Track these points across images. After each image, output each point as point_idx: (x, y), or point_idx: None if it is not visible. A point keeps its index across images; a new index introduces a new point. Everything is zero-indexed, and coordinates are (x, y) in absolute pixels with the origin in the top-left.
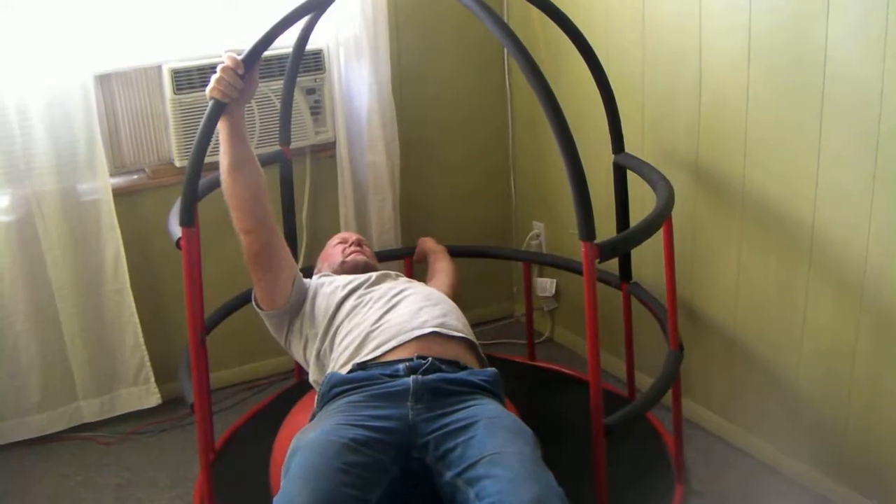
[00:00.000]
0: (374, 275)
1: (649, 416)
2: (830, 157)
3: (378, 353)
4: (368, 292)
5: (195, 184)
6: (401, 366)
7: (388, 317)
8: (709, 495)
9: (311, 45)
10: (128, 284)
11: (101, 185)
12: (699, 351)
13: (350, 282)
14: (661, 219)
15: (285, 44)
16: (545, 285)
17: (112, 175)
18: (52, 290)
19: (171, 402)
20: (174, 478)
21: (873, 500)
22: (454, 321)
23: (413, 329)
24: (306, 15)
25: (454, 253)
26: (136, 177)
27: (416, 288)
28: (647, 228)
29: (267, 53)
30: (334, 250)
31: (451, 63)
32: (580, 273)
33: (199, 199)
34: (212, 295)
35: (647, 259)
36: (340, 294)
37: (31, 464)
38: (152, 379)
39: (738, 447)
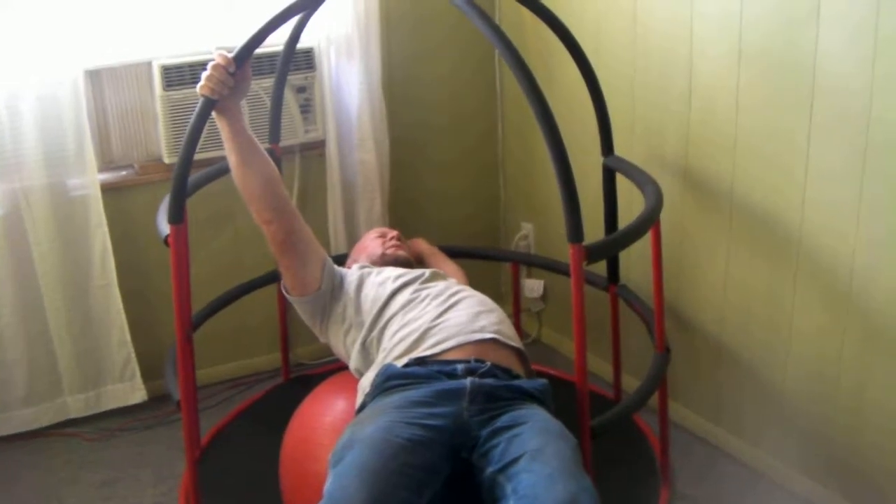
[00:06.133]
0: (426, 272)
1: (635, 418)
2: (818, 165)
3: (436, 350)
4: (424, 288)
5: (184, 180)
6: (459, 366)
7: (447, 316)
8: (694, 498)
9: (302, 43)
10: (115, 280)
11: (89, 180)
12: (686, 354)
13: (401, 275)
14: (649, 222)
15: (276, 42)
16: (533, 286)
17: (100, 171)
18: (38, 285)
19: (157, 399)
20: (159, 475)
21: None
22: (508, 330)
23: (472, 332)
24: (298, 13)
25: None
26: (124, 173)
27: (469, 291)
28: (636, 231)
29: (258, 51)
30: (373, 243)
31: (442, 64)
32: (568, 275)
33: (188, 196)
34: (199, 292)
35: (634, 262)
36: (391, 286)
37: (15, 459)
38: (138, 375)
39: (724, 450)
